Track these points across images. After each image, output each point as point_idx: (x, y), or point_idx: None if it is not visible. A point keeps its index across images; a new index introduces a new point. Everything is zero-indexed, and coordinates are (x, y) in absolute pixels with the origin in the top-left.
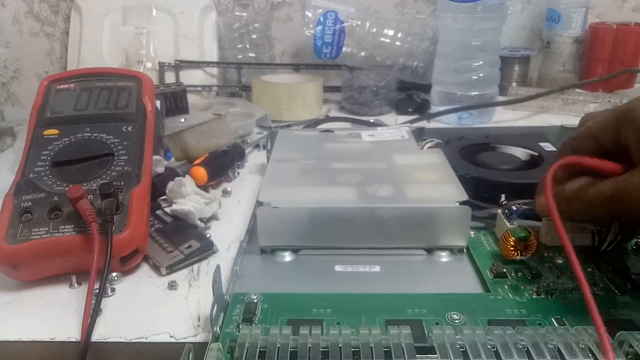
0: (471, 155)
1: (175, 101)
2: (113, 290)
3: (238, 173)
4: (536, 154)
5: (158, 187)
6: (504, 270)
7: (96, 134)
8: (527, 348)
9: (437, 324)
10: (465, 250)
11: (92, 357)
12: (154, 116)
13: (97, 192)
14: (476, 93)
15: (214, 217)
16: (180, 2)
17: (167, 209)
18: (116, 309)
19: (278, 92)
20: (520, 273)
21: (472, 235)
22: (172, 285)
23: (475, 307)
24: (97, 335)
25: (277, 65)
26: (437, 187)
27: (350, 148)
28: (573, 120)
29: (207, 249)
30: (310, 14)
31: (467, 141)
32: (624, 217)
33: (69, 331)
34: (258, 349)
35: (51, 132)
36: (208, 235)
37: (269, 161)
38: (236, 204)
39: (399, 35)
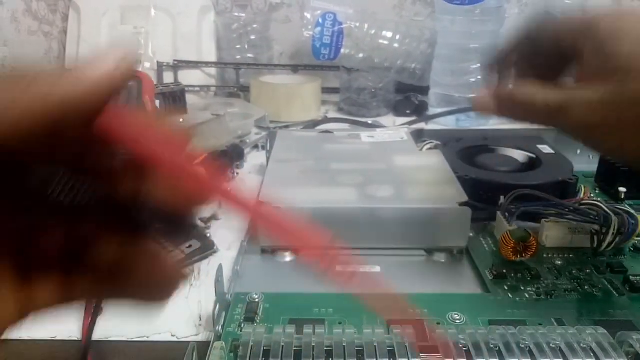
0: (470, 157)
1: (174, 101)
2: None
3: (237, 173)
4: (534, 156)
5: None
6: (504, 271)
7: None
8: (530, 348)
9: (438, 324)
10: (465, 251)
11: (93, 356)
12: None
13: None
14: (474, 95)
15: (214, 217)
16: (179, 3)
17: None
18: (117, 308)
19: (276, 93)
20: (519, 274)
21: (472, 236)
22: None
23: (475, 308)
24: (98, 334)
25: (275, 66)
26: (437, 188)
27: (350, 149)
28: None
29: (207, 248)
30: (309, 16)
31: (466, 143)
32: (562, 129)
33: (70, 330)
34: (262, 348)
35: None
36: (208, 235)
37: (270, 161)
38: None
39: (397, 37)
